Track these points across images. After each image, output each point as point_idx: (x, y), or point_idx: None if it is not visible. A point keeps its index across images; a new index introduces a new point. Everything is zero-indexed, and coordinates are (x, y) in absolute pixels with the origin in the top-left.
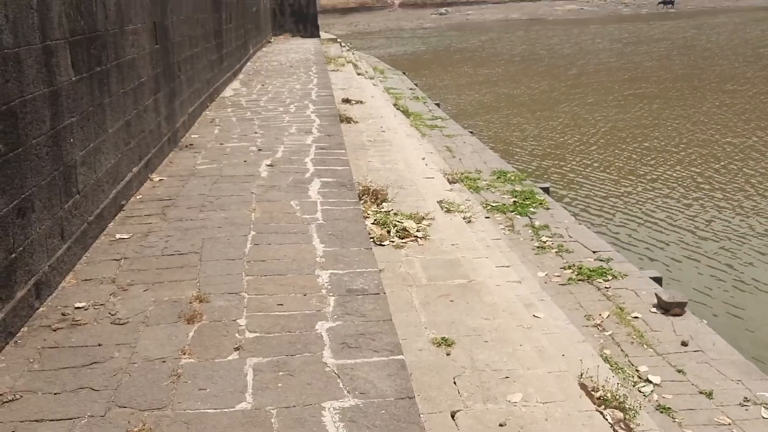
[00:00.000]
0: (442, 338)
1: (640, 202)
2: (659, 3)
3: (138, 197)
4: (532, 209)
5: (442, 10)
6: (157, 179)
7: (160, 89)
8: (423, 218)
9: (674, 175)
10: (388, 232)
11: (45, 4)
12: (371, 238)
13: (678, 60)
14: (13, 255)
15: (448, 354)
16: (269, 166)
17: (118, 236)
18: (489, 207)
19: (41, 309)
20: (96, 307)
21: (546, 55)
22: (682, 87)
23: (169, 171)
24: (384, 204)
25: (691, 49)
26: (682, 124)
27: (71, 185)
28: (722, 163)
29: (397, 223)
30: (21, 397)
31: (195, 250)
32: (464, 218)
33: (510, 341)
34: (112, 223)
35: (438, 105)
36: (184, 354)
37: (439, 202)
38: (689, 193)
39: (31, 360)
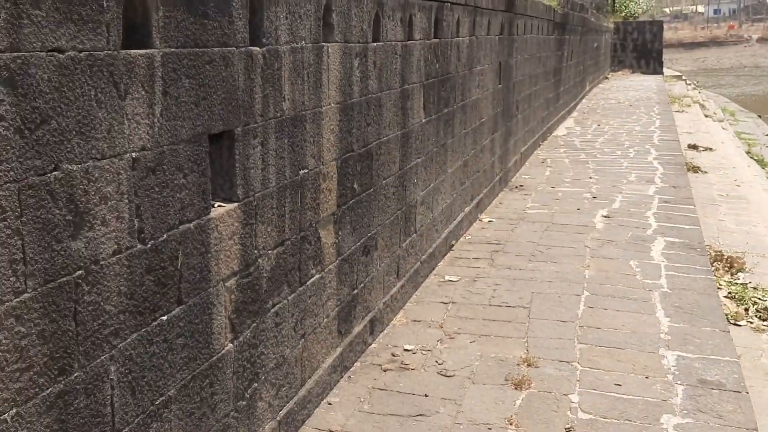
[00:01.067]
0: None
1: None
2: None
3: (467, 238)
4: None
5: None
6: (486, 220)
7: (498, 129)
8: None
9: None
10: (746, 310)
11: (408, 49)
12: (724, 315)
13: None
14: (355, 291)
15: None
16: (605, 217)
17: (447, 278)
18: None
19: (373, 345)
20: (424, 352)
21: None
22: None
23: (498, 212)
24: (740, 274)
25: None
26: None
27: (410, 224)
28: None
29: (758, 301)
30: None
31: (523, 305)
32: None
33: None
34: (441, 263)
35: None
36: (511, 424)
37: None
38: None
39: (362, 399)
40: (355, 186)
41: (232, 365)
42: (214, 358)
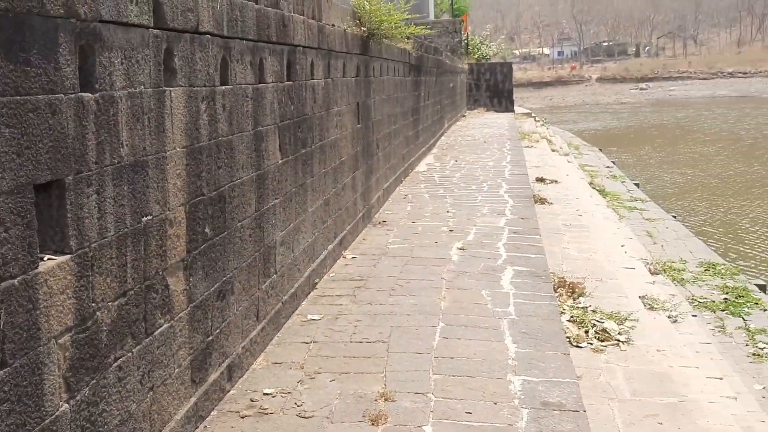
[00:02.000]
0: None
1: None
2: None
3: (330, 275)
4: (746, 309)
5: (642, 85)
6: (350, 257)
7: (359, 167)
8: (626, 318)
9: None
10: (586, 332)
11: (260, 92)
12: (567, 338)
13: None
14: (210, 338)
15: None
16: (460, 249)
17: (309, 317)
18: (696, 303)
19: (232, 392)
20: (283, 395)
21: (747, 135)
22: None
23: (361, 249)
24: (581, 298)
25: None
26: None
27: (270, 266)
28: None
29: (597, 323)
30: None
31: (383, 339)
32: (669, 317)
33: None
34: (304, 302)
35: (637, 185)
36: None
37: (642, 297)
38: None
39: None
40: (207, 230)
41: (69, 426)
42: (47, 420)
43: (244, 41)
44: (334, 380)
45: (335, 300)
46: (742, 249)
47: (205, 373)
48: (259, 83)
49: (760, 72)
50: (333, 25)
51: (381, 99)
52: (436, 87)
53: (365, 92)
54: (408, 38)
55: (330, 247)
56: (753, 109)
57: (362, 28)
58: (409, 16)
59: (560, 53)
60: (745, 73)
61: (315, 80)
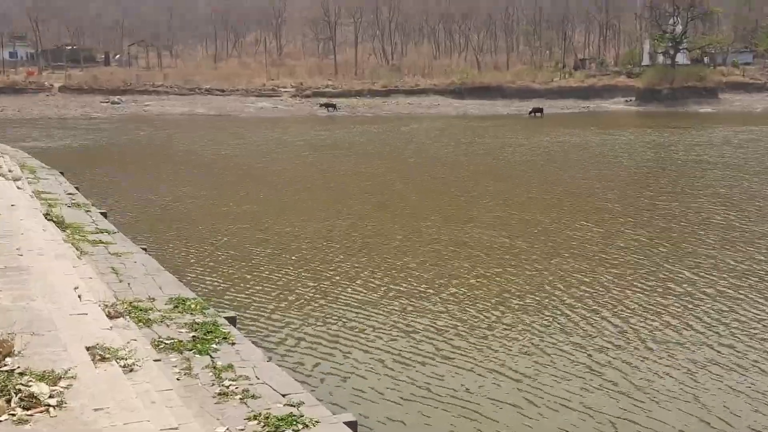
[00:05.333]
0: None
1: (335, 331)
2: (322, 105)
3: None
4: (214, 345)
5: (115, 98)
6: None
7: None
8: (61, 377)
9: (366, 295)
10: (8, 401)
11: None
12: None
13: (336, 162)
14: None
15: None
16: None
17: None
18: (162, 346)
19: None
20: None
21: (208, 159)
22: (329, 192)
23: None
24: (8, 359)
25: (352, 151)
26: (359, 239)
27: None
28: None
29: (23, 388)
30: None
31: None
32: (124, 366)
33: None
34: None
35: (105, 215)
36: None
37: (90, 348)
38: (387, 315)
39: None
40: None
41: None
42: None
43: None
44: None
45: None
46: (214, 280)
47: None
48: None
49: (237, 90)
50: None
51: None
52: None
53: None
54: None
55: None
56: (218, 129)
57: None
58: None
59: (13, 54)
60: (222, 91)
61: None
